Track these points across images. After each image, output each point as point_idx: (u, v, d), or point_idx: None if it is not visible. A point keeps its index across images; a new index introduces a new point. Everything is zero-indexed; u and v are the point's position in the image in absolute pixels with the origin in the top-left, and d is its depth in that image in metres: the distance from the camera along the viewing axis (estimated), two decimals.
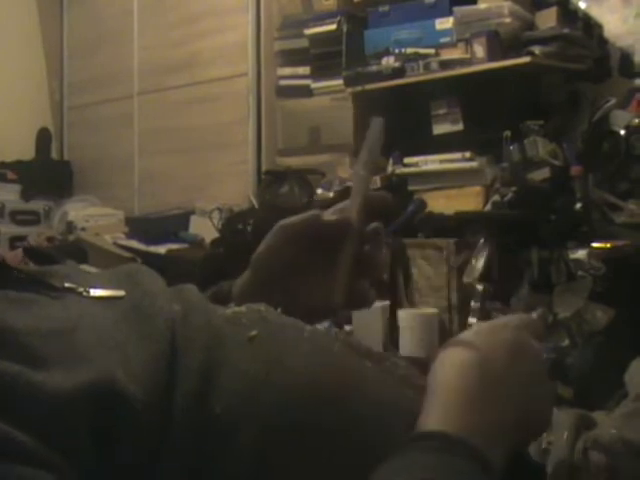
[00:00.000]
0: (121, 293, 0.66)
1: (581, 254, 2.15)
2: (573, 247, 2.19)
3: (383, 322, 2.36)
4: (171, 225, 3.46)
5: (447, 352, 0.63)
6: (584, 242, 2.17)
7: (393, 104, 2.93)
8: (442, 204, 2.59)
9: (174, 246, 3.25)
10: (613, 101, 2.39)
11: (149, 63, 3.91)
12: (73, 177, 4.34)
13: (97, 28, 4.20)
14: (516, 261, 2.29)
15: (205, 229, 3.20)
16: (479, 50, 2.62)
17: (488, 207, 2.47)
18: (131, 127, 3.99)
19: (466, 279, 2.30)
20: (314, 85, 3.19)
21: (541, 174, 2.37)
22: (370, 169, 0.78)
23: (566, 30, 2.56)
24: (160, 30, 3.84)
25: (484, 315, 2.18)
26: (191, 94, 3.67)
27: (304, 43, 3.23)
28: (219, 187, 3.48)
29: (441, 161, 2.71)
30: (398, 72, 2.80)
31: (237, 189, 3.39)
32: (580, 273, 2.14)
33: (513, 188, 2.38)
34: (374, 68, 2.88)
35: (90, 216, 3.75)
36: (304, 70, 3.24)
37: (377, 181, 2.76)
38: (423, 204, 2.61)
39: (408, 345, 2.29)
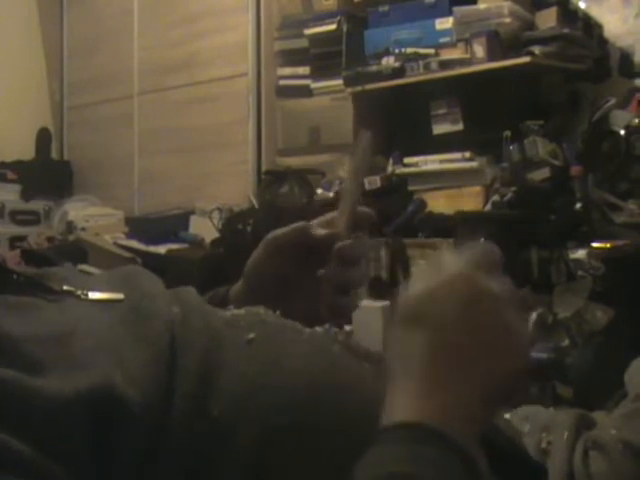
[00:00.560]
0: (120, 296, 0.66)
1: (581, 254, 2.15)
2: (573, 247, 2.19)
3: (383, 322, 2.36)
4: (171, 225, 3.46)
5: (400, 332, 0.58)
6: (584, 242, 2.17)
7: (393, 104, 2.94)
8: (442, 204, 2.59)
9: (174, 246, 3.25)
10: (613, 101, 2.39)
11: (149, 63, 3.91)
12: (73, 177, 4.34)
13: (97, 28, 4.20)
14: (516, 261, 2.29)
15: (205, 229, 3.20)
16: (479, 50, 2.62)
17: (488, 207, 2.47)
18: (131, 127, 3.99)
19: None
20: (314, 85, 3.19)
21: (541, 174, 2.37)
22: (358, 183, 0.78)
23: (566, 30, 2.56)
24: (160, 30, 3.84)
25: None
26: (191, 94, 3.67)
27: (304, 43, 3.23)
28: (219, 187, 3.48)
29: (441, 161, 2.71)
30: (398, 72, 2.80)
31: (237, 189, 3.39)
32: (580, 273, 2.14)
33: (513, 188, 2.38)
34: (374, 68, 2.88)
35: (90, 216, 3.74)
36: (304, 70, 3.24)
37: (377, 181, 2.77)
38: (423, 204, 2.61)
39: None
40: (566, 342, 2.10)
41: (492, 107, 2.63)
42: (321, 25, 3.15)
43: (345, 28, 3.06)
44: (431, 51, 2.79)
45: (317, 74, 3.19)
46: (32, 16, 4.37)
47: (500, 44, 2.61)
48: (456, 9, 2.74)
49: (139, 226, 3.57)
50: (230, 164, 3.49)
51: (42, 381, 0.52)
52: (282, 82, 3.34)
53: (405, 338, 0.57)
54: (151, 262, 2.95)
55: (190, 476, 0.56)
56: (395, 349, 0.58)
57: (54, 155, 4.43)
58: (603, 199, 2.28)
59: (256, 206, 3.12)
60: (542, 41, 2.54)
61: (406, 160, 2.79)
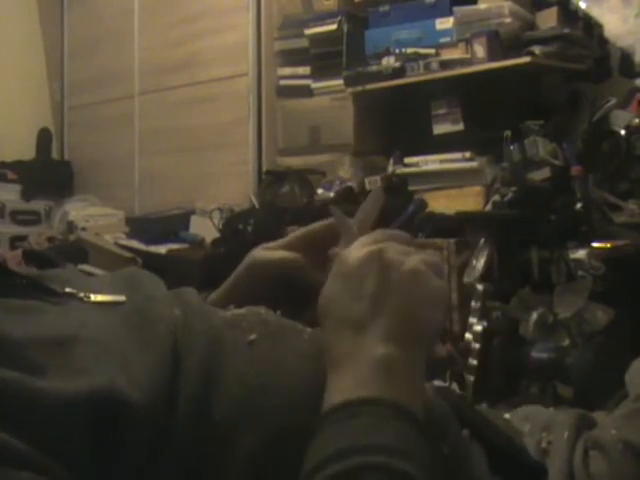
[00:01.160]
0: (122, 298, 0.66)
1: (581, 254, 2.15)
2: (573, 247, 2.19)
3: None
4: (171, 225, 3.46)
5: (323, 329, 0.62)
6: (584, 242, 2.17)
7: (393, 104, 2.94)
8: (442, 204, 2.58)
9: (174, 246, 3.25)
10: (613, 101, 2.39)
11: (149, 63, 3.91)
12: (73, 177, 4.34)
13: (97, 28, 4.20)
14: (516, 261, 2.29)
15: (205, 229, 3.20)
16: (479, 50, 2.62)
17: (488, 207, 2.47)
18: (131, 127, 3.99)
19: (466, 279, 2.30)
20: (314, 85, 3.19)
21: (541, 174, 2.37)
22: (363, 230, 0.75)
23: (566, 30, 2.55)
24: (160, 30, 3.84)
25: (484, 315, 2.18)
26: (191, 94, 3.67)
27: (304, 43, 3.23)
28: (219, 187, 3.48)
29: (441, 161, 2.71)
30: (398, 72, 2.80)
31: (237, 189, 3.39)
32: (580, 273, 2.14)
33: (513, 188, 2.38)
34: (374, 68, 2.88)
35: (90, 216, 3.74)
36: (304, 70, 3.24)
37: (377, 181, 2.77)
38: (423, 204, 2.60)
39: None
40: (566, 342, 2.10)
41: (492, 107, 2.63)
42: (321, 25, 3.14)
43: (345, 28, 3.06)
44: (431, 51, 2.79)
45: (317, 74, 3.19)
46: (32, 16, 4.37)
47: (500, 44, 2.61)
48: (456, 9, 2.74)
49: (139, 226, 3.57)
50: (230, 164, 3.49)
51: (43, 382, 0.52)
52: (282, 82, 3.34)
53: (338, 331, 0.60)
54: (151, 262, 2.95)
55: (191, 477, 0.57)
56: (327, 338, 0.61)
57: (54, 155, 4.43)
58: (603, 199, 2.28)
59: (256, 206, 3.12)
60: (542, 41, 2.54)
61: (406, 160, 2.78)
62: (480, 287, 2.21)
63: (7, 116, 4.10)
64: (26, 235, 3.77)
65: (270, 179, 3.16)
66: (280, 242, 0.81)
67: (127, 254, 3.13)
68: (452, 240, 2.39)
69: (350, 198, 2.82)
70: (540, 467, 0.74)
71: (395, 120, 2.96)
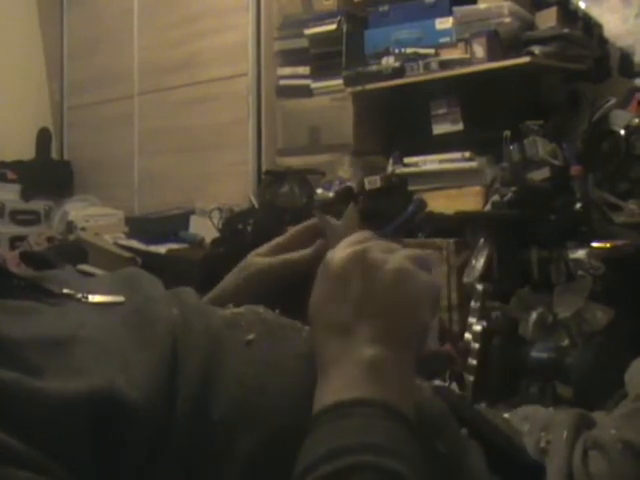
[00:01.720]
0: (120, 299, 0.66)
1: (581, 254, 2.15)
2: (573, 247, 2.18)
3: None
4: (171, 225, 3.46)
5: (313, 333, 0.62)
6: (584, 242, 2.17)
7: (393, 104, 2.94)
8: (442, 204, 2.58)
9: (174, 246, 3.26)
10: (613, 101, 2.39)
11: (149, 63, 3.91)
12: (73, 177, 4.34)
13: (97, 28, 4.20)
14: (516, 261, 2.29)
15: (205, 229, 3.20)
16: (479, 50, 2.62)
17: (488, 207, 2.47)
18: (131, 127, 3.99)
19: (466, 279, 2.30)
20: (314, 85, 3.19)
21: (541, 174, 2.37)
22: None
23: (566, 30, 2.55)
24: (160, 30, 3.84)
25: (484, 315, 2.18)
26: (191, 94, 3.67)
27: (304, 43, 3.23)
28: (219, 187, 3.48)
29: (441, 161, 2.71)
30: (398, 72, 2.80)
31: (237, 189, 3.39)
32: (580, 273, 2.14)
33: (513, 188, 2.38)
34: (374, 68, 2.88)
35: (90, 216, 3.75)
36: (304, 70, 3.24)
37: (377, 181, 2.77)
38: (423, 204, 2.60)
39: None
40: (566, 342, 2.10)
41: (492, 107, 2.63)
42: (321, 25, 3.14)
43: (345, 28, 3.06)
44: (431, 51, 2.79)
45: (317, 74, 3.19)
46: (32, 16, 4.37)
47: (500, 44, 2.60)
48: (456, 9, 2.74)
49: (139, 226, 3.57)
50: (230, 164, 3.49)
51: (43, 383, 0.52)
52: (282, 82, 3.34)
53: (327, 331, 0.61)
54: (151, 262, 2.95)
55: (191, 476, 0.57)
56: (320, 344, 0.61)
57: (54, 155, 4.43)
58: (603, 199, 2.28)
59: (256, 206, 3.12)
60: (542, 41, 2.54)
61: (406, 160, 2.78)
62: (480, 287, 2.22)
63: (7, 116, 4.10)
64: (26, 235, 3.77)
65: (270, 179, 3.15)
66: (269, 245, 0.81)
67: (127, 254, 3.13)
68: (452, 240, 2.39)
69: (350, 198, 2.82)
70: (539, 466, 0.74)
71: (395, 120, 2.96)
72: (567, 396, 1.97)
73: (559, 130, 2.52)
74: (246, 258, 0.82)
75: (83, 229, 3.58)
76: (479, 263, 2.28)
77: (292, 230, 0.82)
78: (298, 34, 3.24)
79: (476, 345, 2.12)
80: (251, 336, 0.65)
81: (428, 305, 0.61)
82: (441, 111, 2.78)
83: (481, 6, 2.70)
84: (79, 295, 0.66)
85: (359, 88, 2.91)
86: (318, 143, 3.16)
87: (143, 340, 0.60)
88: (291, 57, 3.31)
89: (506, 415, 0.86)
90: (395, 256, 0.62)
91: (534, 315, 2.13)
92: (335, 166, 3.02)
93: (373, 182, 2.77)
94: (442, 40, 2.80)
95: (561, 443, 0.75)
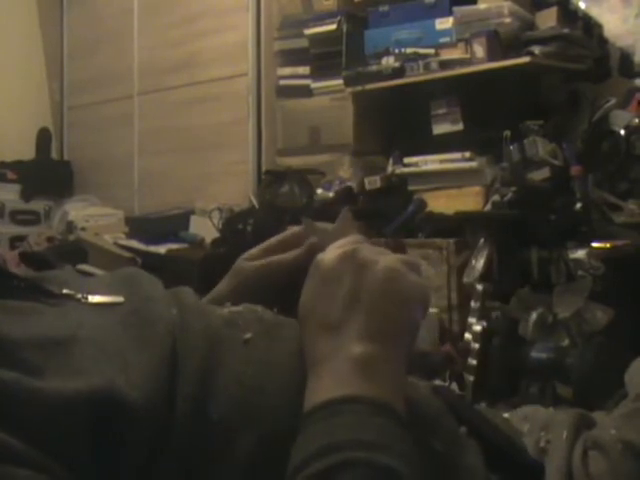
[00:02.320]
0: (120, 299, 0.66)
1: (581, 254, 2.15)
2: (573, 247, 2.19)
3: None
4: (171, 225, 3.46)
5: (302, 333, 0.63)
6: (584, 242, 2.17)
7: (393, 104, 2.94)
8: (442, 204, 2.58)
9: (174, 246, 3.26)
10: (613, 101, 2.39)
11: (149, 63, 3.91)
12: (73, 177, 4.35)
13: (97, 28, 4.20)
14: (516, 261, 2.29)
15: (205, 229, 3.20)
16: (479, 50, 2.62)
17: (488, 207, 2.47)
18: (131, 127, 3.99)
19: (466, 279, 2.30)
20: (314, 85, 3.19)
21: (541, 174, 2.37)
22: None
23: (566, 30, 2.55)
24: (160, 30, 3.84)
25: (484, 315, 2.18)
26: (191, 94, 3.67)
27: (304, 43, 3.23)
28: (219, 187, 3.48)
29: (441, 161, 2.71)
30: (398, 72, 2.80)
31: (237, 189, 3.39)
32: (580, 273, 2.14)
33: (513, 188, 2.38)
34: (374, 68, 2.88)
35: (90, 216, 3.75)
36: (304, 70, 3.24)
37: (377, 181, 2.77)
38: (423, 204, 2.60)
39: None
40: (566, 342, 2.10)
41: (492, 107, 2.63)
42: (321, 25, 3.15)
43: (345, 28, 3.06)
44: (431, 51, 2.79)
45: (317, 74, 3.19)
46: (32, 16, 4.37)
47: (500, 44, 2.61)
48: (456, 9, 2.74)
49: (139, 226, 3.57)
50: (230, 164, 3.49)
51: (42, 383, 0.52)
52: (282, 82, 3.34)
53: (318, 333, 0.61)
54: (151, 262, 2.96)
55: (190, 476, 0.57)
56: (309, 343, 0.61)
57: (54, 155, 4.43)
58: (603, 199, 2.28)
59: (256, 206, 3.12)
60: (542, 41, 2.54)
61: (406, 160, 2.78)
62: (480, 287, 2.22)
63: (7, 116, 4.10)
64: (26, 235, 3.77)
65: (270, 179, 3.15)
66: (258, 249, 0.81)
67: (127, 254, 3.13)
68: (452, 240, 2.39)
69: (350, 198, 2.82)
70: (539, 466, 0.74)
71: (395, 120, 2.96)
72: (567, 396, 1.97)
73: (559, 130, 2.52)
74: (237, 261, 0.82)
75: (83, 229, 3.58)
76: (479, 263, 2.28)
77: (279, 235, 0.82)
78: (298, 34, 3.24)
79: (476, 345, 2.12)
80: (248, 335, 0.65)
81: (417, 304, 0.62)
82: (441, 111, 2.78)
83: (481, 6, 2.71)
84: (79, 295, 0.66)
85: (359, 88, 2.91)
86: (318, 143, 3.16)
87: (143, 340, 0.60)
88: (291, 57, 3.31)
89: (506, 415, 0.86)
90: (385, 257, 0.62)
91: (534, 315, 2.13)
92: (335, 166, 3.02)
93: (373, 182, 2.77)
94: (442, 40, 2.80)
95: (561, 443, 0.75)
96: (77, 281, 0.71)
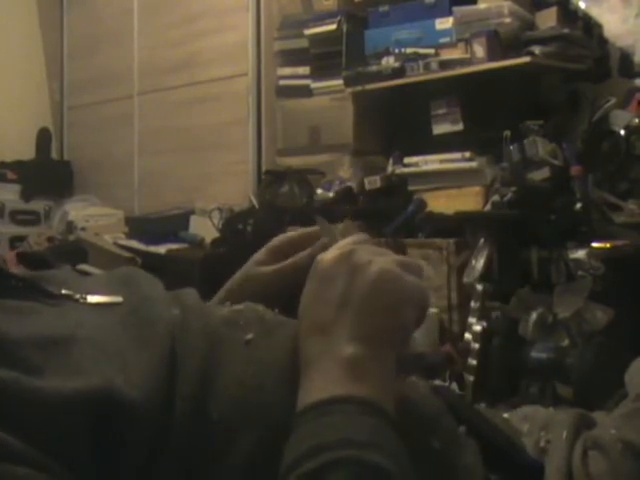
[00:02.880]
0: (119, 299, 0.66)
1: (581, 254, 2.15)
2: (573, 247, 2.18)
3: None
4: (171, 225, 3.46)
5: (298, 333, 0.63)
6: (584, 242, 2.17)
7: (393, 104, 2.94)
8: (442, 204, 2.58)
9: (174, 246, 3.26)
10: (613, 101, 2.39)
11: (149, 63, 3.91)
12: (73, 177, 4.35)
13: (97, 28, 4.20)
14: (516, 261, 2.29)
15: (205, 229, 3.20)
16: (479, 50, 2.62)
17: (488, 207, 2.47)
18: (131, 127, 3.99)
19: (466, 279, 2.30)
20: (314, 85, 3.19)
21: (541, 174, 2.37)
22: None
23: (566, 30, 2.55)
24: (160, 30, 3.84)
25: (484, 315, 2.18)
26: (191, 94, 3.67)
27: (304, 43, 3.23)
28: (219, 187, 3.48)
29: (441, 161, 2.71)
30: (398, 72, 2.80)
31: (237, 189, 3.39)
32: (580, 273, 2.14)
33: (513, 188, 2.38)
34: (374, 68, 2.88)
35: (90, 216, 3.75)
36: (304, 70, 3.24)
37: (377, 181, 2.77)
38: (423, 204, 2.60)
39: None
40: (566, 342, 2.10)
41: (492, 107, 2.63)
42: (321, 25, 3.14)
43: (345, 28, 3.06)
44: (431, 51, 2.79)
45: (317, 74, 3.19)
46: (32, 16, 4.37)
47: (500, 44, 2.60)
48: (456, 9, 2.74)
49: (139, 226, 3.57)
50: (230, 164, 3.49)
51: (42, 382, 0.52)
52: (282, 82, 3.34)
53: (315, 335, 0.61)
54: (151, 262, 2.96)
55: (190, 476, 0.57)
56: (303, 343, 0.61)
57: (54, 155, 4.43)
58: (603, 199, 2.28)
59: (256, 206, 3.12)
60: (542, 41, 2.54)
61: (406, 160, 2.78)
62: (480, 287, 2.22)
63: (7, 116, 4.10)
64: (26, 235, 3.77)
65: (270, 179, 3.15)
66: (268, 250, 0.81)
67: (127, 254, 3.13)
68: (452, 240, 2.39)
69: (350, 198, 2.82)
70: (538, 466, 0.74)
71: (395, 120, 2.96)
72: (567, 396, 1.97)
73: (559, 130, 2.52)
74: (244, 268, 0.82)
75: (83, 229, 3.58)
76: (479, 263, 2.28)
77: (288, 235, 0.82)
78: (298, 34, 3.24)
79: (476, 345, 2.12)
80: (250, 335, 0.65)
81: (411, 306, 0.62)
82: (441, 111, 2.77)
83: (481, 6, 2.70)
84: (77, 295, 0.66)
85: (359, 88, 2.91)
86: (318, 143, 3.16)
87: (142, 340, 0.60)
88: (291, 57, 3.31)
89: (506, 415, 0.86)
90: (381, 258, 0.62)
91: (534, 315, 2.13)
92: (335, 166, 3.02)
93: (373, 182, 2.77)
94: (442, 40, 2.80)
95: (561, 443, 0.75)
96: (76, 281, 0.71)
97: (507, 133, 2.43)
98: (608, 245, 2.13)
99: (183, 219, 3.48)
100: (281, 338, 0.66)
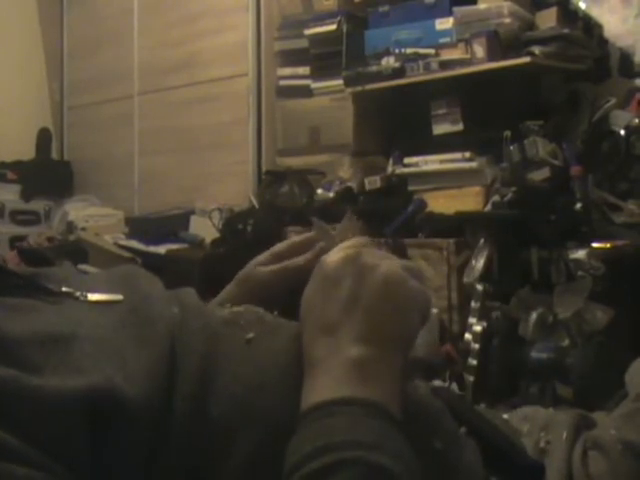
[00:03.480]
0: (119, 297, 0.66)
1: (581, 254, 2.15)
2: (573, 247, 2.18)
3: None
4: (171, 225, 3.46)
5: (302, 333, 0.63)
6: (584, 242, 2.17)
7: (393, 104, 2.94)
8: (442, 204, 2.58)
9: (174, 246, 3.26)
10: (613, 101, 2.39)
11: (149, 63, 3.91)
12: (73, 177, 4.35)
13: (97, 28, 4.20)
14: (516, 261, 2.29)
15: (205, 229, 3.20)
16: (479, 50, 2.62)
17: (488, 207, 2.47)
18: (131, 127, 3.99)
19: (466, 279, 2.30)
20: (314, 85, 3.19)
21: (541, 174, 2.37)
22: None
23: (566, 30, 2.55)
24: (160, 30, 3.84)
25: (484, 315, 2.18)
26: (191, 94, 3.67)
27: (304, 43, 3.23)
28: (219, 187, 3.48)
29: (441, 161, 2.71)
30: (398, 72, 2.80)
31: (237, 189, 3.39)
32: (580, 273, 2.14)
33: (513, 188, 2.38)
34: (374, 68, 2.88)
35: (90, 216, 3.75)
36: (304, 70, 3.24)
37: (377, 181, 2.77)
38: (423, 204, 2.60)
39: None
40: (566, 342, 2.10)
41: (492, 107, 2.63)
42: (321, 25, 3.14)
43: (345, 28, 3.06)
44: (431, 51, 2.79)
45: (317, 74, 3.19)
46: (32, 16, 4.37)
47: (500, 44, 2.60)
48: (456, 9, 2.74)
49: (139, 226, 3.57)
50: (230, 164, 3.49)
51: (41, 380, 0.52)
52: (282, 82, 3.34)
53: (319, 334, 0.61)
54: (151, 262, 2.96)
55: (190, 475, 0.57)
56: (307, 344, 0.62)
57: (54, 155, 4.43)
58: (603, 199, 2.28)
59: (256, 206, 3.12)
60: (542, 41, 2.54)
61: (406, 160, 2.78)
62: (480, 287, 2.21)
63: (7, 116, 4.10)
64: (26, 235, 3.77)
65: (270, 179, 3.15)
66: (269, 254, 0.82)
67: (127, 254, 3.13)
68: (452, 240, 2.39)
69: (350, 198, 2.82)
70: (539, 467, 0.74)
71: (395, 120, 2.96)
72: (567, 396, 1.97)
73: (559, 130, 2.52)
74: (246, 269, 0.82)
75: (83, 229, 3.58)
76: (479, 263, 2.28)
77: (291, 240, 0.82)
78: (298, 34, 3.24)
79: (476, 345, 2.12)
80: (251, 335, 0.65)
81: (416, 310, 0.62)
82: (441, 111, 2.77)
83: (481, 6, 2.70)
84: (78, 293, 0.66)
85: (359, 88, 2.91)
86: (318, 143, 3.16)
87: (142, 339, 0.60)
88: (291, 57, 3.31)
89: (506, 416, 0.86)
90: (387, 262, 0.62)
91: (534, 315, 2.13)
92: (335, 166, 3.02)
93: (373, 182, 2.77)
94: (442, 40, 2.79)
95: (561, 443, 0.75)
96: (76, 279, 0.71)
97: (507, 133, 2.43)
98: (608, 245, 2.13)
99: (183, 219, 3.48)
100: (282, 338, 0.66)
